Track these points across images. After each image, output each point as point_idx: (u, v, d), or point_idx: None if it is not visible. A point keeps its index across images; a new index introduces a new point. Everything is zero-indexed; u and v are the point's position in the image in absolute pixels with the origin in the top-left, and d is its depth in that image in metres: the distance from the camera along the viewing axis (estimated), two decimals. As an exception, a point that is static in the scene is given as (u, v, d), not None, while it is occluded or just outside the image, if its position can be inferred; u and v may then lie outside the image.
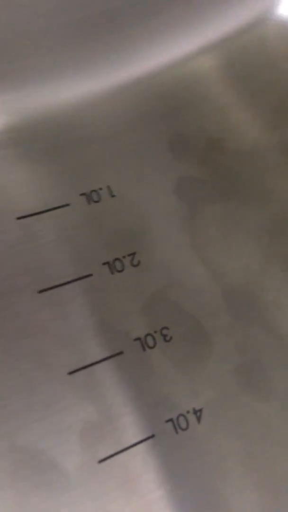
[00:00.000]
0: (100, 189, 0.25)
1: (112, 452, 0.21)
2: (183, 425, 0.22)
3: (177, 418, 0.22)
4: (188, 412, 0.22)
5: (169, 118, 0.26)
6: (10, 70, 0.23)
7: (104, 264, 0.24)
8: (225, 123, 0.26)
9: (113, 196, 0.25)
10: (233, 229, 0.25)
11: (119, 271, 0.24)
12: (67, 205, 0.24)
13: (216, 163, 0.26)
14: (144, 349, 0.23)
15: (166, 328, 0.23)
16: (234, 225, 0.25)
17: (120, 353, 0.23)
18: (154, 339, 0.23)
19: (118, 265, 0.24)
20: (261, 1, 0.26)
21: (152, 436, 0.22)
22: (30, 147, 0.24)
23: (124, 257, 0.24)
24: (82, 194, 0.24)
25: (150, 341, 0.23)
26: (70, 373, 0.22)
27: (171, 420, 0.22)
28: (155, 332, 0.23)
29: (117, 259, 0.24)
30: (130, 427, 0.22)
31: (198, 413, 0.23)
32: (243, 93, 0.26)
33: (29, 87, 0.24)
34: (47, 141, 0.25)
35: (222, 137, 0.26)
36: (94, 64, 0.25)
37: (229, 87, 0.26)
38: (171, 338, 0.23)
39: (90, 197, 0.25)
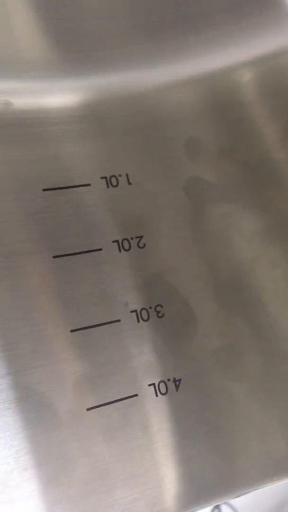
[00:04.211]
0: (120, 175, 0.28)
1: (99, 403, 0.24)
2: (163, 390, 0.25)
3: (159, 383, 0.25)
4: (168, 380, 0.26)
5: (193, 121, 0.29)
6: (94, 57, 0.26)
7: (113, 242, 0.27)
8: (240, 135, 0.29)
9: (130, 183, 0.28)
10: (231, 229, 0.28)
11: (126, 250, 0.27)
12: (88, 185, 0.27)
13: (224, 170, 0.29)
14: (138, 321, 0.26)
15: (160, 306, 0.26)
16: (232, 226, 0.28)
17: (118, 320, 0.26)
18: (148, 313, 0.26)
19: (125, 244, 0.27)
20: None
21: (136, 395, 0.25)
22: (80, 126, 0.27)
23: (132, 238, 0.27)
24: (102, 178, 0.27)
25: (144, 314, 0.26)
26: (73, 331, 0.25)
27: (153, 384, 0.25)
28: (150, 307, 0.26)
29: (125, 239, 0.27)
30: (117, 385, 0.25)
31: (177, 382, 0.26)
32: (263, 110, 0.30)
33: (101, 74, 0.27)
34: (93, 124, 0.27)
35: (234, 147, 0.29)
36: (154, 62, 0.28)
37: (254, 102, 0.30)
38: (163, 315, 0.26)
39: (110, 181, 0.28)
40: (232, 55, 0.29)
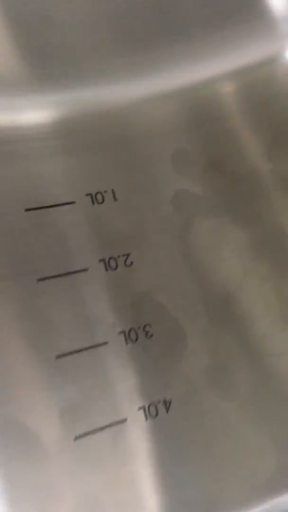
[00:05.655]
0: (105, 192, 0.27)
1: (87, 430, 0.24)
2: (153, 413, 0.25)
3: (149, 406, 0.25)
4: (159, 402, 0.25)
5: (178, 134, 0.28)
6: (73, 71, 0.25)
7: (100, 261, 0.26)
8: (227, 146, 0.28)
9: (115, 199, 0.27)
10: (220, 243, 0.28)
11: (112, 269, 0.26)
12: (73, 202, 0.26)
13: (212, 182, 0.28)
14: (126, 342, 0.25)
15: (149, 325, 0.26)
16: (221, 240, 0.28)
17: (105, 343, 0.25)
18: (136, 334, 0.26)
19: (112, 263, 0.26)
20: (273, 44, 0.29)
21: (125, 420, 0.24)
22: (59, 142, 0.26)
23: (119, 256, 0.26)
24: (87, 195, 0.27)
25: (133, 335, 0.26)
26: (59, 356, 0.24)
27: (143, 407, 0.25)
28: (139, 328, 0.26)
29: (112, 257, 0.26)
30: (106, 410, 0.24)
31: (167, 403, 0.25)
32: (248, 121, 0.29)
33: (78, 88, 0.26)
34: (73, 140, 0.26)
35: (221, 159, 0.28)
36: (137, 75, 0.27)
37: (238, 113, 0.29)
38: (152, 335, 0.26)
39: (95, 198, 0.27)
40: (216, 66, 0.28)
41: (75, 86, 0.26)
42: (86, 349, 0.25)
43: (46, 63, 0.25)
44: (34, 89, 0.25)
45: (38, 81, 0.25)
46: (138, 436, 0.24)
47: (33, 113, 0.25)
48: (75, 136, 0.27)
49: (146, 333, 0.26)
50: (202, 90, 0.29)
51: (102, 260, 0.26)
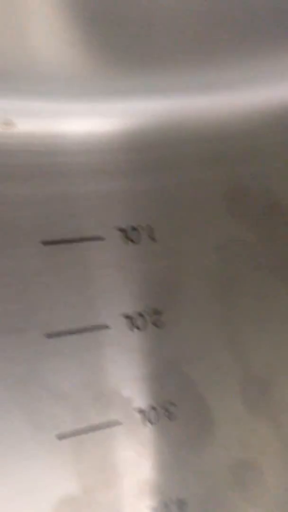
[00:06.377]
0: (141, 227, 0.21)
1: (84, 534, 0.19)
2: (164, 514, 0.21)
3: (159, 506, 0.20)
4: (171, 501, 0.21)
5: (235, 164, 0.23)
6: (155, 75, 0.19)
7: (125, 317, 0.21)
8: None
9: (153, 239, 0.22)
10: (270, 313, 0.23)
11: (138, 329, 0.21)
12: (100, 238, 0.21)
13: (273, 231, 0.23)
14: (144, 424, 0.21)
15: (173, 404, 0.21)
16: (272, 309, 0.23)
17: (118, 423, 0.20)
18: (157, 414, 0.21)
19: (140, 321, 0.21)
20: None
21: (130, 522, 0.20)
22: (103, 160, 0.20)
23: (149, 314, 0.21)
24: (120, 230, 0.21)
25: (152, 415, 0.21)
26: (60, 437, 0.19)
27: (152, 507, 0.20)
28: (160, 406, 0.21)
29: (140, 314, 0.21)
30: (107, 507, 0.20)
31: (182, 504, 0.21)
32: None
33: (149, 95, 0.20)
34: (121, 157, 0.21)
35: (287, 199, 0.23)
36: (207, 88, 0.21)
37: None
38: (175, 416, 0.21)
39: (128, 235, 0.21)
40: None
41: (138, 94, 0.20)
42: (94, 429, 0.20)
43: (116, 59, 0.19)
44: (85, 93, 0.19)
45: (95, 82, 0.19)
46: None
47: (78, 120, 0.20)
48: (124, 152, 0.21)
49: (168, 413, 0.21)
50: (270, 106, 0.23)
51: (128, 316, 0.21)
